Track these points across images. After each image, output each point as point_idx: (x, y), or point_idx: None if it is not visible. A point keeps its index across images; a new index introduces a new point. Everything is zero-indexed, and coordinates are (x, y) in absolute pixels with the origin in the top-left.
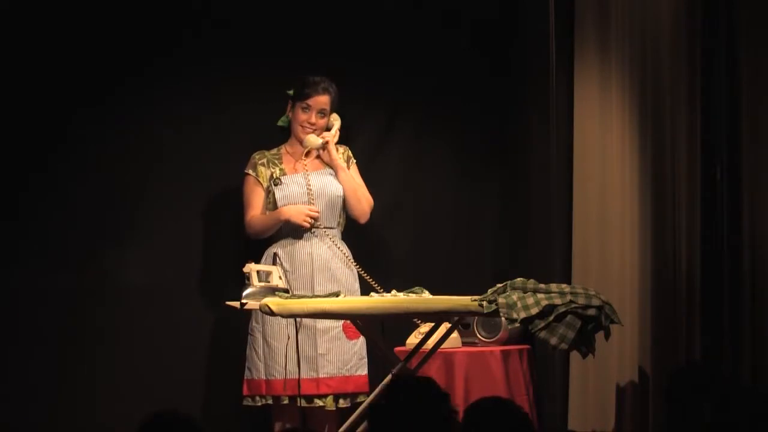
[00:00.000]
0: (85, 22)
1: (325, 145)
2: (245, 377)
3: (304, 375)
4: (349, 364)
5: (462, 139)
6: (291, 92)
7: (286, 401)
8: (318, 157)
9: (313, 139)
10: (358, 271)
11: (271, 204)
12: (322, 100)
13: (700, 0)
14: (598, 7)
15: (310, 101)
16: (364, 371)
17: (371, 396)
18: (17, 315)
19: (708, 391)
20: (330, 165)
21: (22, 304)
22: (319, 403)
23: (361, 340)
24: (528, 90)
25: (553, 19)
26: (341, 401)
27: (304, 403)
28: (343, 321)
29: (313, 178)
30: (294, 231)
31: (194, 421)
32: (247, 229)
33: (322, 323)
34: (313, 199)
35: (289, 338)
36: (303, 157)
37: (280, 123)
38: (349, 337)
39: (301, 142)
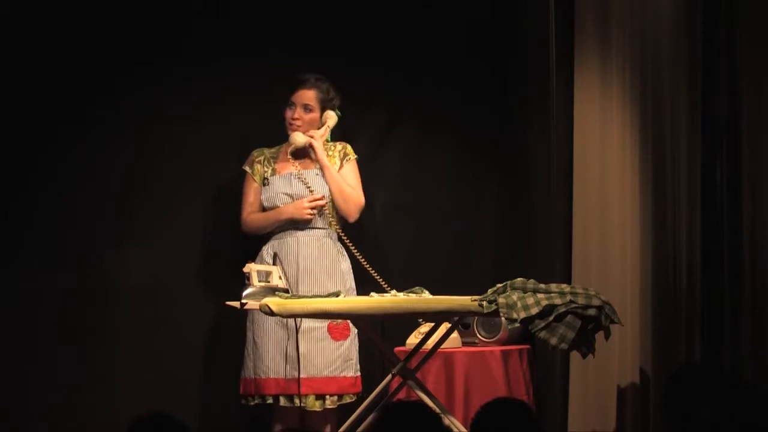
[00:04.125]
0: (84, 23)
1: (309, 144)
2: (241, 377)
3: (288, 375)
4: (333, 366)
5: (462, 140)
6: None
7: (269, 401)
8: (309, 156)
9: (297, 138)
10: (365, 267)
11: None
12: (307, 95)
13: (700, 0)
14: (598, 8)
15: (293, 97)
16: (350, 373)
17: (372, 395)
18: (17, 315)
19: (708, 392)
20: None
21: (22, 304)
22: (297, 402)
23: (348, 342)
24: (528, 90)
25: (553, 19)
26: (326, 402)
27: (284, 402)
28: (328, 322)
29: (307, 177)
30: (288, 227)
31: (184, 424)
32: (243, 227)
33: (306, 324)
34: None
35: (269, 335)
36: (288, 156)
37: None
38: (335, 338)
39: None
